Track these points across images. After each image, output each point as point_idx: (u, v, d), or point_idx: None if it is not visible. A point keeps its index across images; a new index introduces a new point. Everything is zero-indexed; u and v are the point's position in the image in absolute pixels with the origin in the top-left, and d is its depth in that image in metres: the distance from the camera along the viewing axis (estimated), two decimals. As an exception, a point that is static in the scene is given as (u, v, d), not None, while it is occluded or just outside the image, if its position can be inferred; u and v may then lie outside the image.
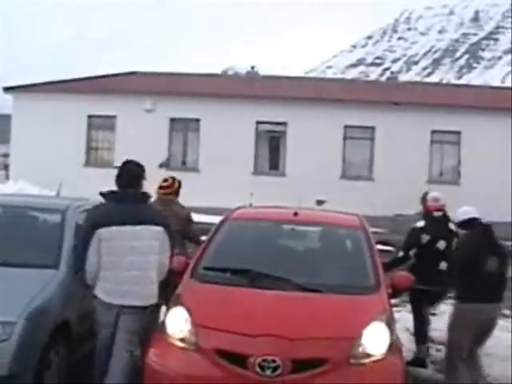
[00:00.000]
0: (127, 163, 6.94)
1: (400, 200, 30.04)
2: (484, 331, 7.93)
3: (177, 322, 6.22)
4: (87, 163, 32.63)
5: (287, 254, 7.81)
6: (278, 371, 5.71)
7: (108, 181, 28.73)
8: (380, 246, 24.70)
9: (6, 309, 6.21)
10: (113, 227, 6.40)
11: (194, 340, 6.03)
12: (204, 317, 6.21)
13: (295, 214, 8.01)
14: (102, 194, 6.77)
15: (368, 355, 5.96)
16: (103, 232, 6.37)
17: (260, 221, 8.35)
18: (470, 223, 8.27)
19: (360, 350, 5.96)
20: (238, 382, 5.76)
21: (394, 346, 6.19)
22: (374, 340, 6.04)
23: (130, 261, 6.42)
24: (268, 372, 5.71)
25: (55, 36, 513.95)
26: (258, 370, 5.71)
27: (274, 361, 5.72)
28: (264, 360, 5.72)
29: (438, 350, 10.16)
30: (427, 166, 31.61)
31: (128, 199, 6.70)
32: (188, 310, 6.26)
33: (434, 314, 12.50)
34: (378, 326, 6.16)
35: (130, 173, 6.81)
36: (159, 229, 6.70)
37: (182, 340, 6.09)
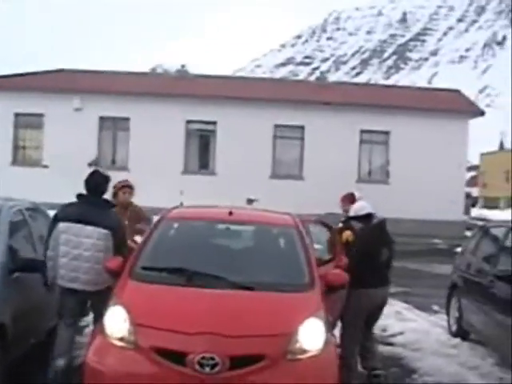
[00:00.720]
0: (94, 173, 7.99)
1: (330, 199, 30.19)
2: (377, 312, 8.87)
3: (115, 321, 6.21)
4: (14, 162, 32.03)
5: (222, 252, 7.87)
6: (217, 368, 5.78)
7: (36, 180, 28.32)
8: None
9: None
10: (69, 223, 7.49)
11: (133, 339, 6.04)
12: (142, 315, 6.22)
13: (230, 213, 8.08)
14: (77, 195, 7.86)
15: (304, 351, 6.07)
16: (61, 225, 7.49)
17: (196, 220, 8.40)
18: (366, 218, 8.89)
19: (297, 345, 6.08)
20: (176, 380, 5.80)
21: (329, 342, 6.33)
22: (310, 336, 6.16)
23: (79, 253, 7.45)
24: (207, 369, 5.77)
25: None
26: (197, 367, 5.77)
27: (212, 358, 5.78)
28: (203, 357, 5.78)
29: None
30: (356, 166, 31.94)
31: (89, 202, 7.71)
32: (126, 309, 6.26)
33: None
34: (313, 322, 6.28)
35: (95, 182, 7.83)
36: (106, 231, 7.54)
37: (121, 339, 6.10)
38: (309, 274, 7.09)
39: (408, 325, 11.59)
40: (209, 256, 7.50)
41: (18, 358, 7.60)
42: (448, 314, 11.45)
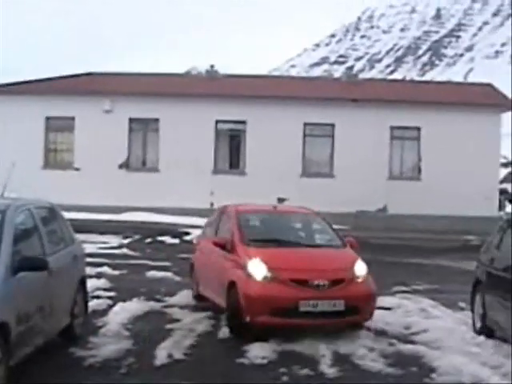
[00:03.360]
0: None
1: (361, 197, 30.19)
2: None
3: (258, 268, 10.57)
4: (46, 165, 32.22)
5: (286, 229, 12.62)
6: (325, 287, 10.46)
7: (68, 182, 28.52)
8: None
9: None
10: None
11: (273, 275, 10.46)
12: (272, 263, 10.65)
13: (275, 207, 13.54)
14: None
15: (359, 276, 10.92)
16: None
17: (257, 213, 13.11)
18: None
19: (356, 274, 10.90)
20: (306, 294, 10.33)
21: (368, 273, 11.14)
22: (361, 269, 11.00)
23: None
24: (320, 288, 10.43)
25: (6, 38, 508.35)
26: (315, 287, 10.42)
27: (322, 282, 10.47)
28: (318, 282, 10.44)
29: (390, 344, 10.12)
30: (387, 162, 31.64)
31: None
32: (262, 260, 10.67)
33: (388, 309, 12.54)
34: (360, 262, 11.14)
35: None
36: None
37: (264, 278, 10.51)
38: (340, 239, 12.05)
39: (433, 322, 11.37)
40: (281, 231, 12.31)
41: (26, 357, 7.56)
42: (472, 310, 11.21)
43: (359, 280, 10.80)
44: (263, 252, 10.95)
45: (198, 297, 13.22)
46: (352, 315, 10.57)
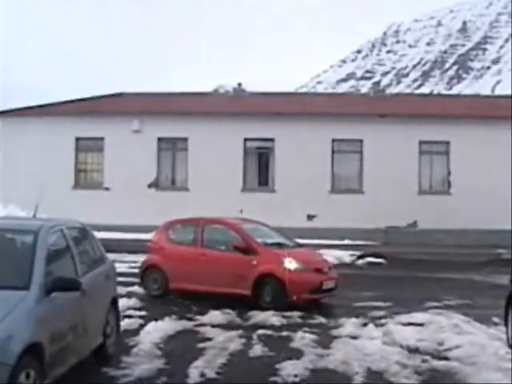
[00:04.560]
0: None
1: (391, 212, 30.06)
2: None
3: (292, 263, 14.85)
4: (76, 185, 32.47)
5: (269, 235, 17.02)
6: (327, 272, 15.53)
7: (98, 202, 28.73)
8: (371, 259, 24.65)
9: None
10: None
11: (305, 267, 15.12)
12: (296, 258, 15.25)
13: (244, 219, 18.04)
14: None
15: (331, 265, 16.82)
16: None
17: (250, 224, 17.23)
18: None
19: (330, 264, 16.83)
20: (324, 278, 15.26)
21: None
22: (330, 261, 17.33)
23: None
24: (326, 273, 15.46)
25: (36, 59, 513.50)
26: (324, 272, 15.43)
27: (326, 269, 15.64)
28: (325, 269, 15.72)
29: (424, 361, 10.04)
30: (417, 177, 31.49)
31: None
32: (290, 257, 15.24)
33: (420, 325, 12.45)
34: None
35: None
36: None
37: (295, 269, 14.84)
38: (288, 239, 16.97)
39: (465, 338, 11.24)
40: (270, 237, 16.51)
41: (60, 377, 7.59)
42: (506, 325, 11.10)
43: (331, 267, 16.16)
44: (284, 252, 15.28)
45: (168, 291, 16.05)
46: (334, 290, 15.53)
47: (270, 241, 16.17)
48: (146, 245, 17.57)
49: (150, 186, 31.95)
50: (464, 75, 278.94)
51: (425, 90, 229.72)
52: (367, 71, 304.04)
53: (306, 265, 15.11)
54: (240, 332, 11.96)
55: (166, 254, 16.42)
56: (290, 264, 14.85)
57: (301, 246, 17.01)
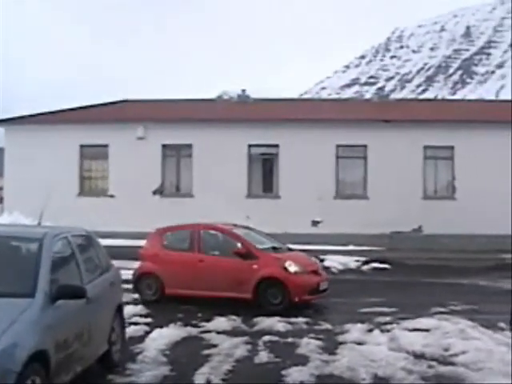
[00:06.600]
0: None
1: (395, 217, 30.01)
2: None
3: (292, 265, 15.56)
4: (81, 193, 32.50)
5: (261, 240, 17.21)
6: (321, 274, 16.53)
7: (103, 209, 28.77)
8: (376, 264, 24.58)
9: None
10: None
11: (301, 270, 15.72)
12: (294, 261, 15.89)
13: (235, 225, 17.96)
14: None
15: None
16: None
17: (244, 229, 17.90)
18: None
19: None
20: (320, 279, 16.10)
21: None
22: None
23: None
24: (320, 275, 16.44)
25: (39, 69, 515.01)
26: (319, 274, 16.37)
27: (320, 271, 16.69)
28: (318, 271, 16.57)
29: (430, 367, 10.01)
30: (421, 182, 31.44)
31: None
32: (285, 259, 15.87)
33: (426, 330, 12.41)
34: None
35: None
36: None
37: (295, 272, 15.49)
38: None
39: (472, 343, 11.20)
40: (261, 241, 16.79)
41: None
42: (512, 331, 11.08)
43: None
44: (283, 255, 16.17)
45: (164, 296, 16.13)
46: (328, 290, 16.18)
47: (264, 245, 16.61)
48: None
49: (154, 192, 31.96)
50: (468, 80, 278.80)
51: (429, 95, 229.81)
52: (371, 77, 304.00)
53: (304, 267, 15.84)
54: (245, 338, 11.95)
55: (161, 261, 16.55)
56: (291, 267, 15.54)
57: (290, 249, 17.46)
